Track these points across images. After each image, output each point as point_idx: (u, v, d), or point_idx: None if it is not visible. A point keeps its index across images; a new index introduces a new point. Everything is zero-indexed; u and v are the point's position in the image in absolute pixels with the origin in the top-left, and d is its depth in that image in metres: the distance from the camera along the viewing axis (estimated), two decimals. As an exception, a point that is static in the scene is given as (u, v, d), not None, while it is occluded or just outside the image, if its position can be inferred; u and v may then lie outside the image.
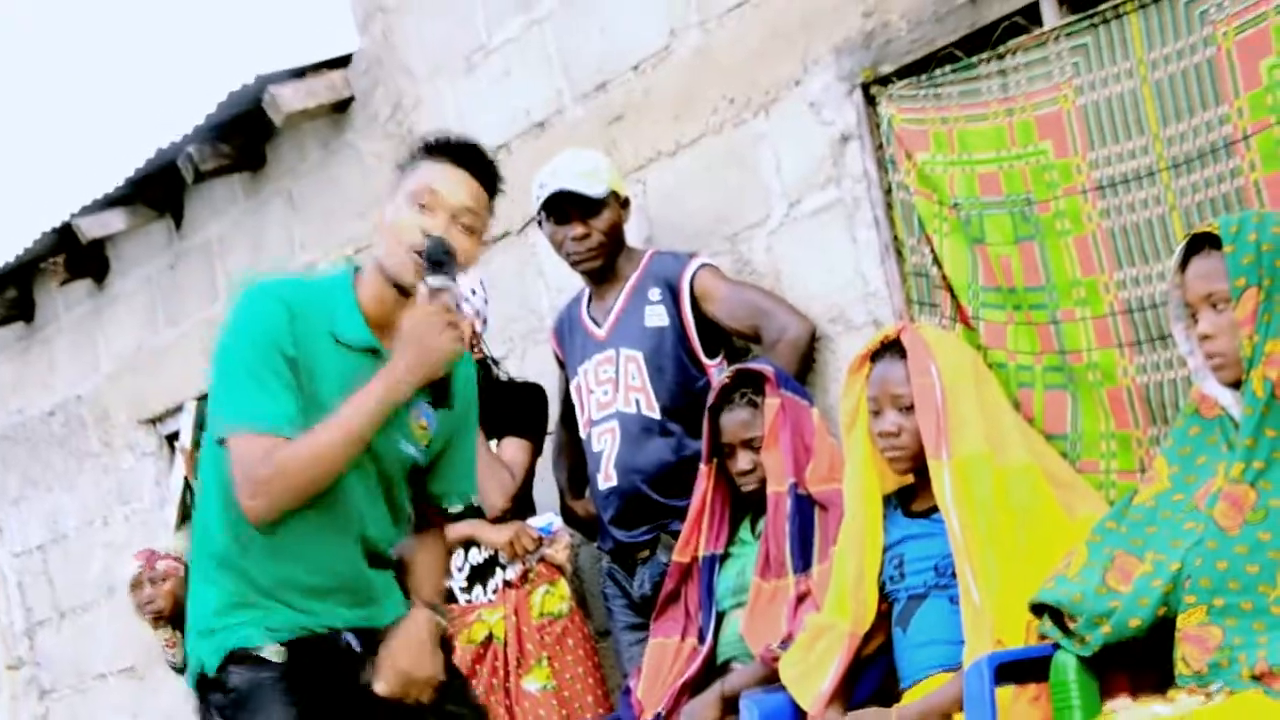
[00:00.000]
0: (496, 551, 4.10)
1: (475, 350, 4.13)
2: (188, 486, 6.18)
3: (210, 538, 2.83)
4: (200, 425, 6.23)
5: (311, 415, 2.73)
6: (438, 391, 2.81)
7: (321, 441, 2.70)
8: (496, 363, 4.33)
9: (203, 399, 6.17)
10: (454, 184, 2.79)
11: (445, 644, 2.94)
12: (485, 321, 4.24)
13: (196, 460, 6.00)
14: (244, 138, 5.40)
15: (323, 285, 2.84)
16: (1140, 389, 3.30)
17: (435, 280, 2.74)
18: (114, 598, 6.29)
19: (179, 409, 6.24)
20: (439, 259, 2.75)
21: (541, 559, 4.11)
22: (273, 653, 2.74)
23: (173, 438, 6.35)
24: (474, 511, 4.12)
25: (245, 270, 5.88)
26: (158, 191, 5.91)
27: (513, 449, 4.14)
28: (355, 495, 2.81)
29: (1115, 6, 3.23)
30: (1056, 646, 2.86)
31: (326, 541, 2.80)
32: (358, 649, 2.81)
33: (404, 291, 2.79)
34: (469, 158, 2.83)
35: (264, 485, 2.68)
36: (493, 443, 4.14)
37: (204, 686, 2.79)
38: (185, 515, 6.14)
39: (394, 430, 2.81)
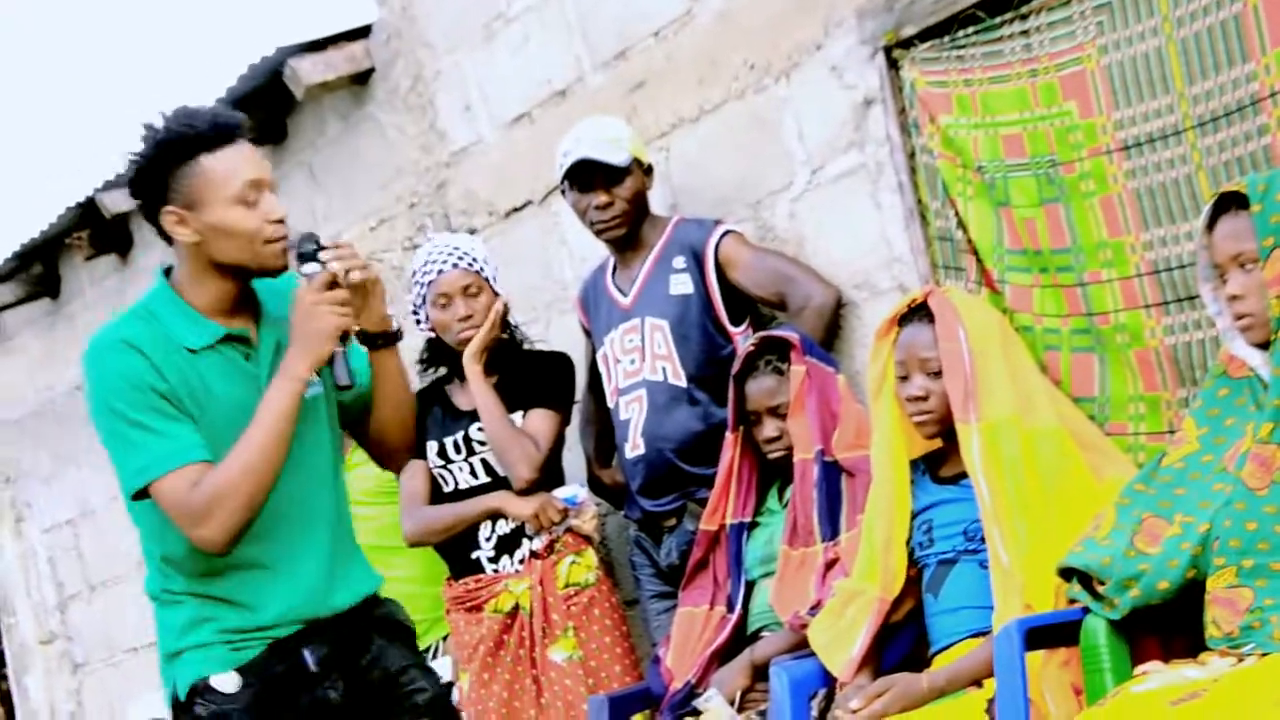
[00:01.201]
0: (523, 523, 4.10)
1: (497, 328, 4.17)
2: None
3: (163, 572, 2.91)
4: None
5: (218, 429, 2.79)
6: (339, 370, 2.86)
7: (248, 452, 2.76)
8: (519, 331, 4.32)
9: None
10: (249, 161, 2.82)
11: (408, 630, 3.06)
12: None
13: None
14: (264, 111, 5.39)
15: (146, 310, 2.87)
16: (1168, 350, 3.28)
17: (308, 268, 2.84)
18: (142, 571, 6.32)
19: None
20: (309, 253, 2.85)
21: (568, 529, 4.11)
22: (231, 682, 2.81)
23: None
24: (501, 482, 4.16)
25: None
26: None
27: (538, 419, 4.14)
28: (310, 487, 2.90)
29: (1140, -36, 3.20)
30: (1086, 611, 2.85)
31: (291, 533, 2.87)
32: (315, 669, 2.86)
33: (247, 274, 2.86)
34: (233, 129, 2.84)
35: (203, 513, 2.74)
36: (518, 414, 4.14)
37: (176, 710, 2.87)
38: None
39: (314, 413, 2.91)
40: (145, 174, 2.83)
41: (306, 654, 2.86)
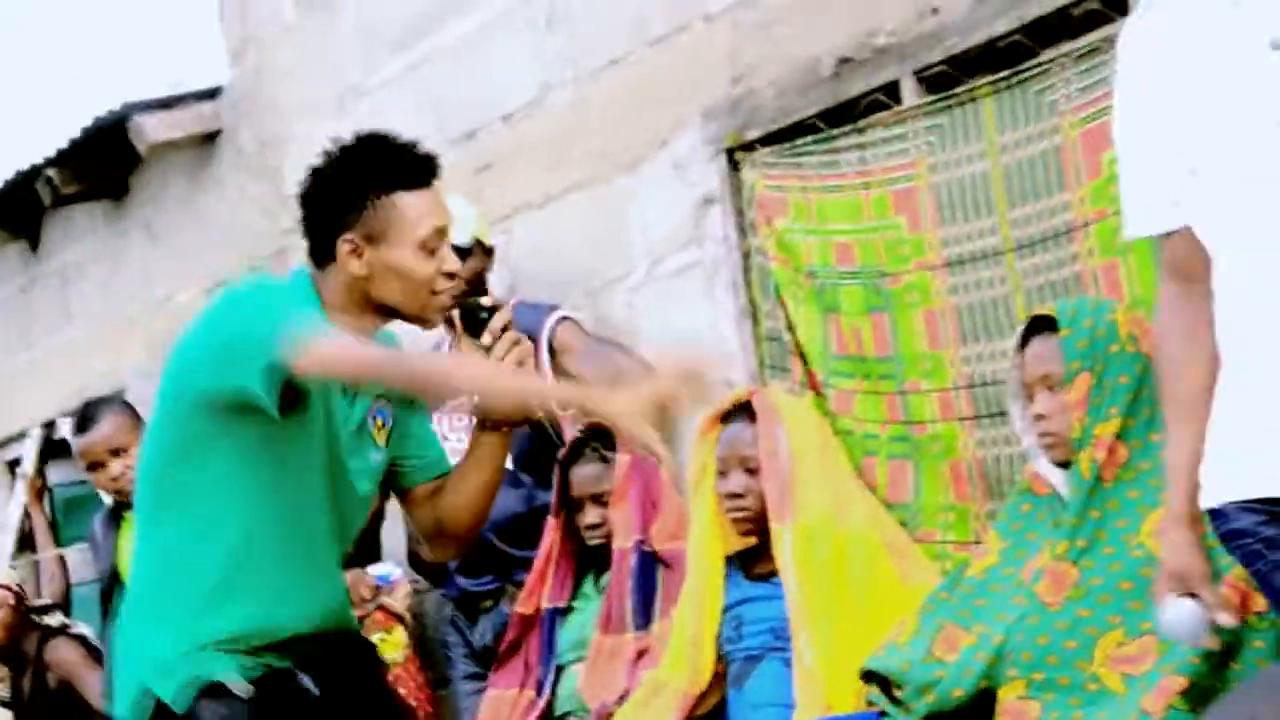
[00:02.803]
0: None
1: None
2: (27, 515, 6.03)
3: (182, 568, 2.67)
4: (45, 454, 6.10)
5: (317, 433, 2.62)
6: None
7: (406, 365, 2.56)
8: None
9: (49, 425, 6.07)
10: (441, 207, 2.67)
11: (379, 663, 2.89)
12: None
13: (38, 488, 5.92)
14: (107, 165, 5.33)
15: (288, 290, 2.68)
16: (979, 463, 3.38)
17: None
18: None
19: (23, 435, 6.11)
20: (476, 316, 2.69)
21: (380, 607, 4.08)
22: (243, 690, 2.61)
23: (14, 464, 6.20)
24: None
25: (98, 297, 5.79)
26: (14, 213, 5.80)
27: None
28: (336, 528, 2.71)
29: (970, 90, 3.33)
30: (883, 714, 2.91)
31: (300, 572, 2.68)
32: (316, 693, 2.69)
33: (398, 318, 2.70)
34: (434, 170, 2.68)
35: (323, 355, 2.49)
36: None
37: None
38: (23, 544, 5.99)
39: (363, 448, 2.71)
40: (335, 194, 2.63)
41: (306, 679, 2.68)
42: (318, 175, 2.67)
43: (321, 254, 2.67)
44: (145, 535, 2.74)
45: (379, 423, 2.76)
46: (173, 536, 2.68)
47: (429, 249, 2.62)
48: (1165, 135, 2.20)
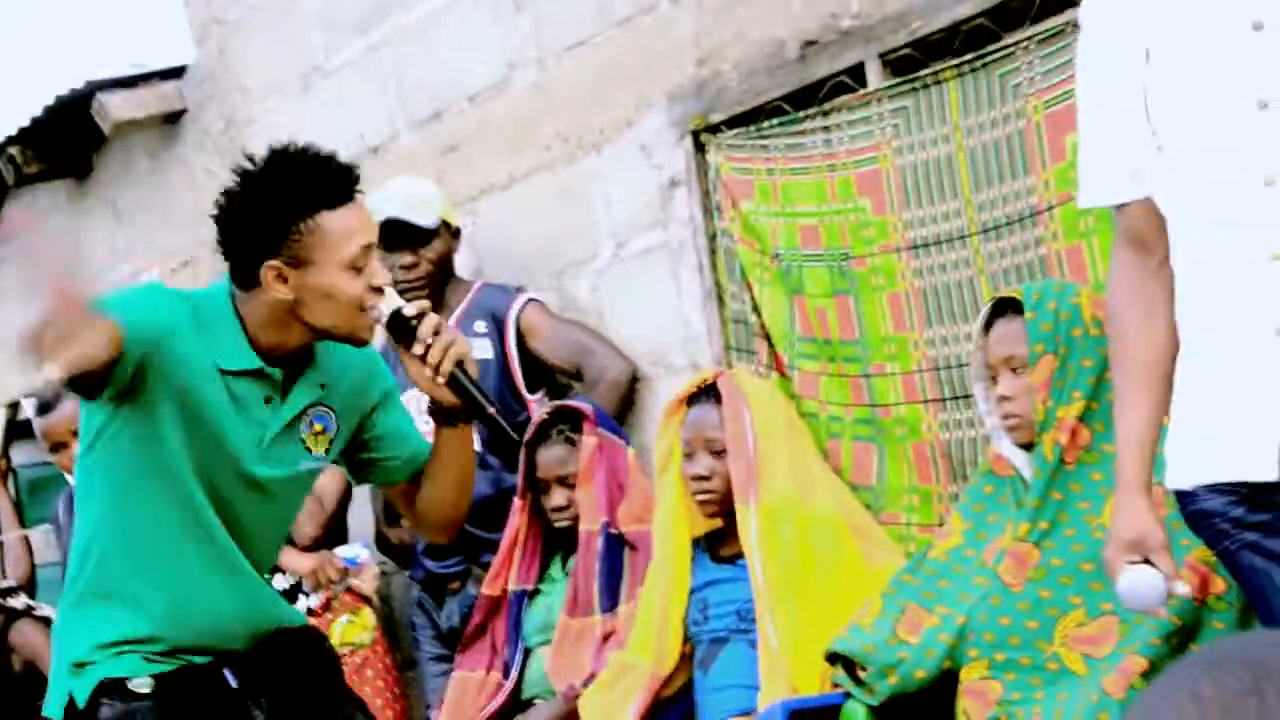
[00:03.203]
0: (300, 579, 4.06)
1: None
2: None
3: (97, 563, 2.66)
4: (10, 435, 6.07)
5: (207, 443, 2.58)
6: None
7: None
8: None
9: (14, 406, 6.04)
10: (366, 223, 2.57)
11: (336, 663, 2.88)
12: None
13: (2, 471, 5.89)
14: (70, 143, 5.30)
15: (195, 308, 2.60)
16: (943, 445, 3.40)
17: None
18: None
19: (-12, 416, 6.08)
20: (402, 328, 2.58)
21: (347, 588, 4.08)
22: (143, 684, 2.61)
23: (-20, 446, 6.17)
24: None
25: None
26: (-23, 192, 5.76)
27: (325, 476, 4.10)
28: (249, 532, 2.67)
29: (935, 73, 3.34)
30: (848, 695, 2.93)
31: (214, 583, 2.66)
32: (235, 685, 2.69)
33: (329, 338, 2.61)
34: (355, 183, 2.57)
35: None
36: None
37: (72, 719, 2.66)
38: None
39: (286, 456, 2.65)
40: (256, 219, 2.51)
41: (228, 673, 2.68)
42: (235, 198, 2.56)
43: (244, 277, 2.57)
44: (76, 528, 2.73)
45: (317, 428, 2.70)
46: (87, 531, 2.68)
47: (356, 267, 2.52)
48: (1129, 108, 2.21)
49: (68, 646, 2.68)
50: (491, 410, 2.61)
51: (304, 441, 2.67)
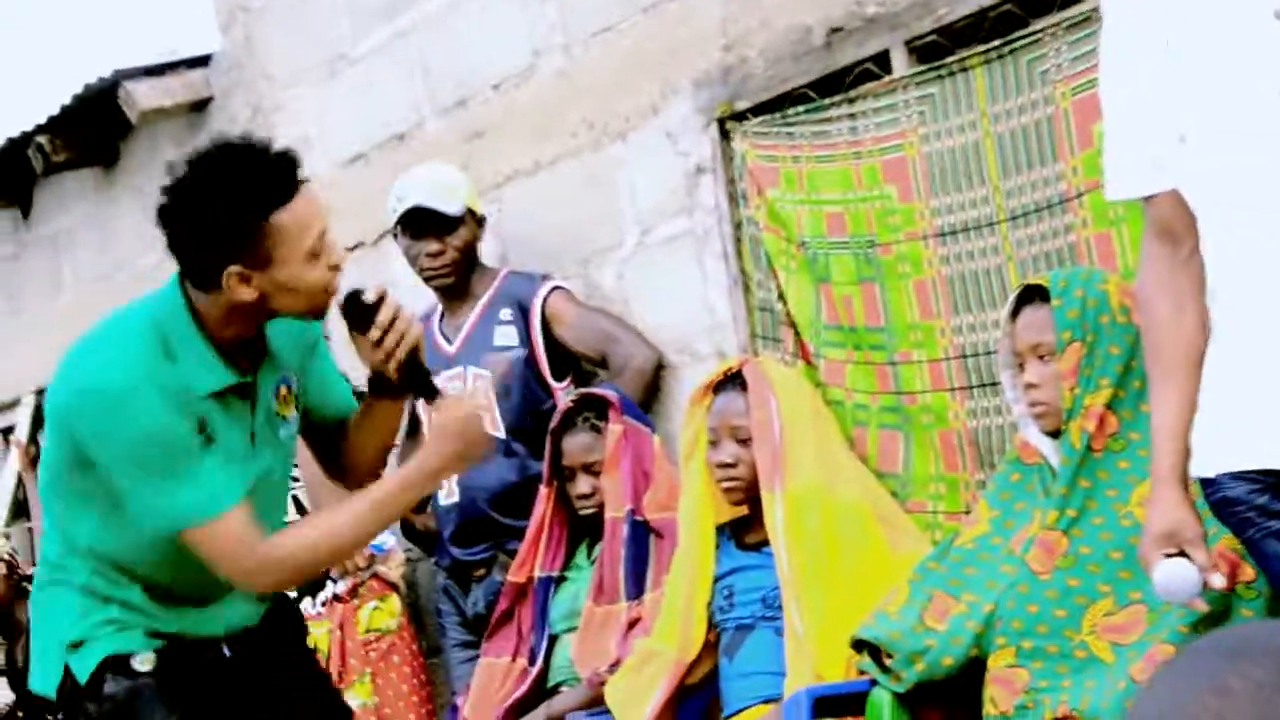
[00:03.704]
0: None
1: None
2: (20, 482, 6.04)
3: (81, 550, 2.69)
4: (38, 421, 6.10)
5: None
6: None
7: (345, 528, 2.64)
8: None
9: (41, 393, 6.06)
10: (318, 209, 2.58)
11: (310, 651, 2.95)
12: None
13: (32, 456, 5.92)
14: (98, 132, 5.32)
15: (162, 340, 2.58)
16: (970, 433, 3.39)
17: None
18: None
19: (16, 403, 6.11)
20: (360, 313, 2.64)
21: (374, 575, 4.09)
22: (147, 661, 2.65)
23: (7, 431, 6.21)
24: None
25: (90, 265, 5.77)
26: (5, 181, 5.79)
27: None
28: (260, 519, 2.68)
29: (961, 60, 3.32)
30: (874, 682, 2.92)
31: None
32: (229, 655, 2.74)
33: (271, 315, 2.63)
34: (298, 174, 2.57)
35: (266, 568, 2.59)
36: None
37: (75, 698, 2.67)
38: (17, 511, 6.00)
39: (272, 436, 2.71)
40: (210, 228, 2.49)
41: (224, 647, 2.74)
42: (183, 204, 2.53)
43: (201, 280, 2.56)
44: (58, 516, 2.74)
45: (284, 391, 2.74)
46: (84, 529, 2.69)
47: (315, 254, 2.54)
48: (1152, 98, 2.20)
49: (60, 624, 2.69)
50: (441, 392, 2.74)
51: (278, 413, 2.72)
